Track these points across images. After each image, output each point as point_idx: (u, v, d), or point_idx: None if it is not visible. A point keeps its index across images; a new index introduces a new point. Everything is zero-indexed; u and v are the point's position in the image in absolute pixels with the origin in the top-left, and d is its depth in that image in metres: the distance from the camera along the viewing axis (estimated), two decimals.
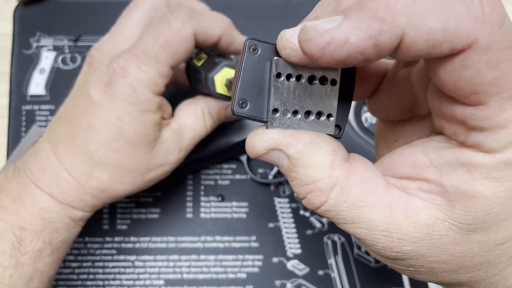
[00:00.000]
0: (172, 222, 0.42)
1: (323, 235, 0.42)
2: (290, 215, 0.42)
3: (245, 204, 0.42)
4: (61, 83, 0.43)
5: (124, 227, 0.41)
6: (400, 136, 0.23)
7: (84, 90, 0.30)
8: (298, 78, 0.19)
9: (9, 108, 0.43)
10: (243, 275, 0.41)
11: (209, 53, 0.33)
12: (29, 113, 0.43)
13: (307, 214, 0.42)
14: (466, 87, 0.16)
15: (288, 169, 0.19)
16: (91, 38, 0.44)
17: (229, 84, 0.30)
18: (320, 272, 0.41)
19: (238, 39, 0.33)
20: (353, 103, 0.43)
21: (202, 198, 0.42)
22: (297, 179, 0.19)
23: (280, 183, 0.43)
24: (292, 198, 0.42)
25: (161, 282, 0.40)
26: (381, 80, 0.23)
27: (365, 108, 0.43)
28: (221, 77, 0.31)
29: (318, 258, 0.41)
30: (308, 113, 0.19)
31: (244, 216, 0.42)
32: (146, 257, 0.41)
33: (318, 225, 0.42)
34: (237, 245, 0.41)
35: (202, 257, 0.41)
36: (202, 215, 0.42)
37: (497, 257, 0.19)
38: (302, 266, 0.41)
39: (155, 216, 0.42)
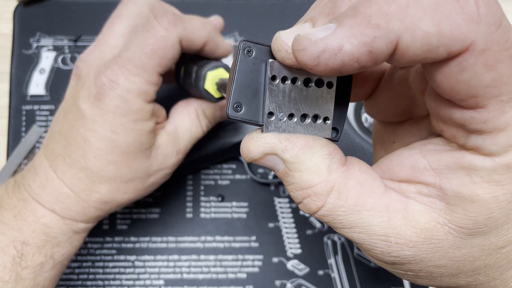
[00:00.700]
0: (172, 222, 0.42)
1: (323, 235, 0.42)
2: (290, 215, 0.42)
3: (245, 204, 0.42)
4: (61, 83, 0.43)
5: (124, 227, 0.41)
6: (398, 138, 0.23)
7: (75, 105, 0.30)
8: (294, 80, 0.18)
9: (9, 108, 0.43)
10: (243, 275, 0.41)
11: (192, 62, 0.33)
12: (29, 113, 0.43)
13: (307, 214, 0.42)
14: (464, 90, 0.15)
15: (284, 173, 0.19)
16: (91, 38, 0.44)
17: (220, 84, 0.30)
18: (320, 272, 0.41)
19: (223, 44, 0.33)
20: (352, 103, 0.43)
21: (202, 198, 0.42)
22: (293, 184, 0.19)
23: (280, 183, 0.43)
24: None
25: (161, 282, 0.40)
26: (378, 82, 0.22)
27: None
28: (213, 75, 0.30)
29: (318, 258, 0.41)
30: (304, 116, 0.19)
31: (244, 216, 0.42)
32: (146, 257, 0.41)
33: (318, 225, 0.42)
34: (237, 245, 0.41)
35: (202, 257, 0.41)
36: (202, 215, 0.42)
37: (497, 261, 0.18)
38: (302, 266, 0.41)
39: (155, 216, 0.42)
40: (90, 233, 0.41)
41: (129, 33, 0.31)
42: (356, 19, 0.14)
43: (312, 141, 0.18)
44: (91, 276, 0.40)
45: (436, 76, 0.16)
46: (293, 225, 0.42)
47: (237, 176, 0.43)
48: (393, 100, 0.22)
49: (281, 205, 0.42)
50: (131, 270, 0.41)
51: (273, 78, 0.18)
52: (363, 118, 0.43)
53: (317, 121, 0.19)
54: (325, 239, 0.42)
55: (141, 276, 0.40)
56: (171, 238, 0.41)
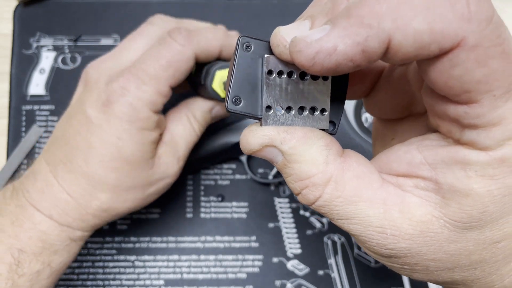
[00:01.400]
0: (172, 222, 0.42)
1: (323, 235, 0.42)
2: (290, 215, 0.42)
3: (245, 204, 0.42)
4: (61, 83, 0.43)
5: (124, 227, 0.41)
6: (397, 135, 0.23)
7: (80, 110, 0.30)
8: (290, 74, 0.19)
9: (9, 108, 0.43)
10: (243, 275, 0.41)
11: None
12: (29, 113, 0.43)
13: (307, 214, 0.42)
14: (456, 86, 0.16)
15: (283, 165, 0.19)
16: (91, 38, 0.44)
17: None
18: (320, 272, 0.41)
19: (234, 43, 0.33)
20: (353, 103, 0.43)
21: (202, 198, 0.42)
22: (292, 175, 0.19)
23: (280, 183, 0.43)
24: (292, 198, 0.42)
25: (161, 282, 0.40)
26: (377, 79, 0.23)
27: None
28: (221, 75, 0.31)
29: (318, 258, 0.41)
30: (301, 109, 0.19)
31: (244, 216, 0.42)
32: (146, 257, 0.41)
33: (318, 225, 0.42)
34: (237, 245, 0.41)
35: (202, 257, 0.41)
36: (202, 215, 0.42)
37: (493, 255, 0.19)
38: (302, 266, 0.41)
39: (155, 216, 0.42)
40: None
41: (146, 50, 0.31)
42: (349, 20, 0.15)
43: (310, 133, 0.19)
44: (91, 276, 0.40)
45: (430, 73, 0.16)
46: (293, 225, 0.42)
47: (237, 176, 0.43)
48: (392, 97, 0.22)
49: (281, 205, 0.42)
50: (131, 270, 0.41)
51: (270, 72, 0.19)
52: (363, 118, 0.43)
53: (315, 113, 0.19)
54: (325, 239, 0.42)
55: (141, 276, 0.40)
56: (171, 238, 0.41)
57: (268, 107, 0.19)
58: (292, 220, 0.42)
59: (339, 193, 0.18)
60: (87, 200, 0.30)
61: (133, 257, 0.41)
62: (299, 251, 0.41)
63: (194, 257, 0.41)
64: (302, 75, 0.19)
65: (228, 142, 0.40)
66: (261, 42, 0.19)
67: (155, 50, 0.30)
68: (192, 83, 0.35)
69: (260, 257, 0.41)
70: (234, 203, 0.42)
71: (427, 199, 0.18)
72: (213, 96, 0.32)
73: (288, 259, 0.41)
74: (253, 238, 0.41)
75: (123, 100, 0.29)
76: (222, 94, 0.31)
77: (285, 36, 0.17)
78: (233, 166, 0.43)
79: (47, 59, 0.44)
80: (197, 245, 0.41)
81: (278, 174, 0.42)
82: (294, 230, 0.42)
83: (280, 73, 0.19)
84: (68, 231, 0.30)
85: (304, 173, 0.19)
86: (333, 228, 0.42)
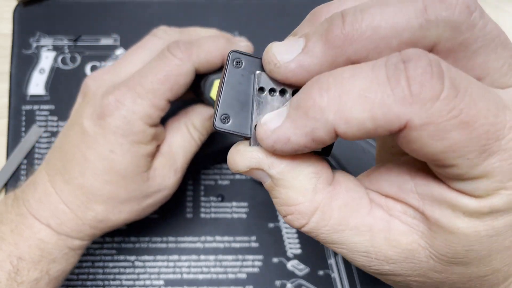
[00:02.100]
0: (172, 222, 0.42)
1: None
2: None
3: (245, 204, 0.42)
4: (61, 83, 0.43)
5: (124, 227, 0.41)
6: (394, 148, 0.23)
7: (78, 122, 0.30)
8: (282, 92, 0.18)
9: (9, 108, 0.43)
10: (243, 275, 0.41)
11: None
12: (29, 113, 0.43)
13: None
14: (423, 157, 0.15)
15: (270, 187, 0.19)
16: (91, 38, 0.44)
17: None
18: (320, 272, 0.41)
19: (243, 47, 0.33)
20: None
21: (202, 198, 0.42)
22: (278, 198, 0.19)
23: None
24: None
25: (161, 282, 0.40)
26: None
27: None
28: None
29: (318, 258, 0.41)
30: None
31: (244, 216, 0.42)
32: (146, 257, 0.41)
33: None
34: (237, 245, 0.41)
35: (202, 257, 0.41)
36: (202, 215, 0.42)
37: (477, 286, 0.18)
38: (302, 266, 0.41)
39: (155, 216, 0.42)
40: None
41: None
42: (297, 112, 0.16)
43: (300, 158, 0.18)
44: (91, 276, 0.40)
45: (397, 140, 0.16)
46: None
47: (237, 176, 0.43)
48: None
49: None
50: (131, 270, 0.41)
51: (261, 89, 0.18)
52: None
53: None
54: None
55: (141, 276, 0.40)
56: (171, 238, 0.41)
57: None
58: None
59: (325, 222, 0.18)
60: (83, 211, 0.30)
61: (133, 257, 0.41)
62: (299, 251, 0.41)
63: (194, 257, 0.41)
64: (295, 93, 0.18)
65: (228, 142, 0.40)
66: (253, 58, 0.18)
67: (153, 64, 0.30)
68: (195, 91, 0.34)
69: (260, 257, 0.41)
70: (234, 203, 0.42)
71: (414, 227, 0.18)
72: (211, 105, 0.31)
73: (288, 259, 0.41)
74: (253, 238, 0.41)
75: (117, 113, 0.29)
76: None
77: (276, 54, 0.17)
78: None
79: (47, 59, 0.44)
80: (197, 245, 0.41)
81: None
82: (294, 230, 0.42)
83: (271, 91, 0.18)
84: (66, 240, 0.30)
85: (291, 200, 0.18)
86: None
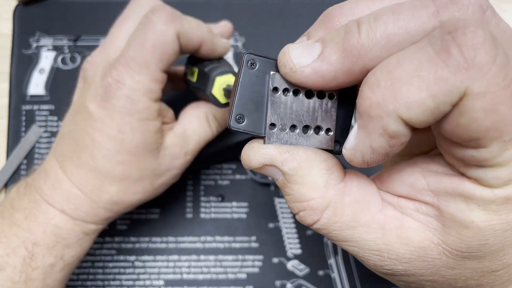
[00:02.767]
0: (172, 222, 0.42)
1: (323, 236, 0.42)
2: (290, 215, 0.42)
3: (245, 204, 0.42)
4: (61, 83, 0.43)
5: (124, 227, 0.41)
6: (404, 147, 0.23)
7: (82, 106, 0.30)
8: (296, 92, 0.18)
9: (8, 108, 0.43)
10: (243, 276, 0.41)
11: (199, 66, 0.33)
12: (29, 113, 0.43)
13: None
14: (464, 134, 0.15)
15: (282, 184, 0.19)
16: (91, 38, 0.44)
17: (227, 90, 0.30)
18: (320, 272, 0.41)
19: (220, 44, 0.33)
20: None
21: (202, 198, 0.42)
22: (290, 195, 0.19)
23: None
24: None
25: (161, 282, 0.40)
26: None
27: None
28: (222, 81, 0.31)
29: (318, 258, 0.41)
30: (306, 127, 0.19)
31: (244, 216, 0.42)
32: (146, 257, 0.41)
33: None
34: (237, 245, 0.41)
35: (202, 257, 0.41)
36: (202, 215, 0.42)
37: (490, 281, 0.18)
38: (302, 266, 0.41)
39: (155, 216, 0.42)
40: None
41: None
42: (363, 120, 0.16)
43: (312, 155, 0.18)
44: (91, 276, 0.40)
45: (439, 121, 0.16)
46: (293, 225, 0.42)
47: (237, 176, 0.43)
48: None
49: (281, 205, 0.42)
50: (131, 270, 0.41)
51: (275, 90, 0.18)
52: None
53: (320, 133, 0.19)
54: (325, 239, 0.42)
55: (141, 277, 0.40)
56: (171, 238, 0.41)
57: (272, 125, 0.19)
58: (292, 220, 0.42)
59: (337, 218, 0.18)
60: (97, 194, 0.30)
61: (133, 258, 0.41)
62: (299, 251, 0.41)
63: (194, 257, 0.41)
64: (308, 93, 0.19)
65: (228, 142, 0.40)
66: (267, 59, 0.19)
67: (140, 32, 0.29)
68: (191, 88, 0.34)
69: (260, 257, 0.41)
70: (234, 203, 0.42)
71: (427, 224, 0.18)
72: (212, 102, 0.31)
73: (288, 259, 0.41)
74: (253, 238, 0.41)
75: (119, 93, 0.29)
76: (221, 99, 0.31)
77: (293, 58, 0.17)
78: (233, 166, 0.43)
79: (46, 59, 0.44)
80: (197, 245, 0.41)
81: None
82: (294, 230, 0.42)
83: (285, 91, 0.18)
84: (81, 224, 0.30)
85: (303, 196, 0.18)
86: None
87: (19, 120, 0.42)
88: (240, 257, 0.41)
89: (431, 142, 0.21)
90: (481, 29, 0.14)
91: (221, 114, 0.34)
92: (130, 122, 0.29)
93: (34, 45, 0.44)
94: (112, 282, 0.40)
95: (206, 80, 0.31)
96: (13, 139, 0.42)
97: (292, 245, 0.41)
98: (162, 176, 0.32)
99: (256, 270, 0.41)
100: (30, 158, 0.42)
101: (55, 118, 0.43)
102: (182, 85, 0.37)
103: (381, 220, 0.18)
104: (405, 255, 0.18)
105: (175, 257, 0.41)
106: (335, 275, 0.41)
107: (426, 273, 0.18)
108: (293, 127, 0.19)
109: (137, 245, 0.41)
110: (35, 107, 0.43)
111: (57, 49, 0.44)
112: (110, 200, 0.30)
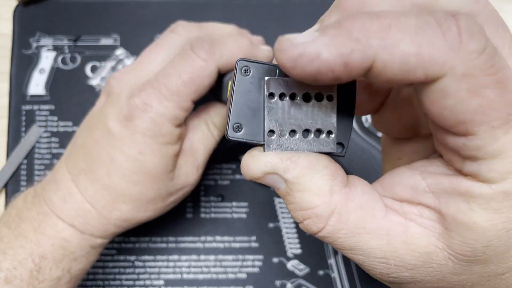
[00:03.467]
0: (172, 222, 0.42)
1: None
2: (290, 215, 0.42)
3: (245, 204, 0.42)
4: (61, 83, 0.43)
5: None
6: (404, 154, 0.23)
7: (102, 122, 0.30)
8: (292, 96, 0.18)
9: (8, 108, 0.43)
10: (243, 275, 0.41)
11: None
12: (29, 113, 0.43)
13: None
14: (451, 117, 0.15)
15: (285, 192, 0.19)
16: (91, 38, 0.44)
17: None
18: (320, 272, 0.41)
19: (262, 55, 0.33)
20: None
21: (202, 198, 0.42)
22: (294, 203, 0.18)
23: None
24: None
25: (161, 282, 0.40)
26: (386, 97, 0.22)
27: None
28: None
29: (318, 258, 0.41)
30: (306, 131, 0.18)
31: (244, 216, 0.42)
32: (146, 257, 0.41)
33: None
34: (237, 245, 0.41)
35: (202, 257, 0.41)
36: (202, 215, 0.42)
37: (495, 285, 0.18)
38: (302, 266, 0.41)
39: None
40: None
41: (168, 62, 0.31)
42: (338, 30, 0.15)
43: (315, 161, 0.18)
44: (90, 276, 0.40)
45: (424, 102, 0.16)
46: (293, 225, 0.42)
47: (237, 176, 0.43)
48: (398, 117, 0.22)
49: (281, 205, 0.42)
50: (131, 270, 0.41)
51: (271, 95, 0.18)
52: (363, 118, 0.43)
53: (321, 136, 0.18)
54: None
55: (141, 276, 0.40)
56: (171, 238, 0.41)
57: (271, 131, 0.18)
58: (292, 220, 0.42)
59: (343, 225, 0.18)
60: (108, 210, 0.30)
61: (133, 257, 0.41)
62: (299, 251, 0.41)
63: (194, 257, 0.41)
64: (306, 96, 0.18)
65: (228, 142, 0.40)
66: (260, 65, 0.18)
67: (177, 64, 0.29)
68: (215, 97, 0.34)
69: (260, 257, 0.41)
70: (234, 203, 0.42)
71: (430, 229, 0.18)
72: (224, 101, 0.31)
73: (288, 259, 0.41)
74: (253, 238, 0.41)
75: (145, 116, 0.29)
76: None
77: (291, 37, 0.16)
78: (233, 166, 0.43)
79: (47, 59, 0.44)
80: (197, 245, 0.41)
81: None
82: (294, 230, 0.42)
83: (281, 96, 0.18)
84: (89, 239, 0.30)
85: (307, 203, 0.18)
86: None
87: (19, 120, 0.42)
88: (240, 257, 0.41)
89: (430, 149, 0.21)
90: (476, 23, 0.15)
91: (220, 120, 0.34)
92: (151, 144, 0.29)
93: (34, 45, 0.44)
94: (112, 282, 0.40)
95: (221, 83, 0.31)
96: (13, 139, 0.42)
97: (292, 245, 0.41)
98: (174, 195, 0.32)
99: (256, 270, 0.41)
100: (30, 158, 0.42)
101: (55, 118, 0.43)
102: None
103: (386, 226, 0.18)
104: (411, 262, 0.18)
105: (175, 257, 0.41)
106: (335, 275, 0.41)
107: (432, 280, 0.18)
108: (293, 132, 0.18)
109: (137, 245, 0.41)
110: (35, 107, 0.43)
111: (57, 49, 0.44)
112: (121, 217, 0.30)
